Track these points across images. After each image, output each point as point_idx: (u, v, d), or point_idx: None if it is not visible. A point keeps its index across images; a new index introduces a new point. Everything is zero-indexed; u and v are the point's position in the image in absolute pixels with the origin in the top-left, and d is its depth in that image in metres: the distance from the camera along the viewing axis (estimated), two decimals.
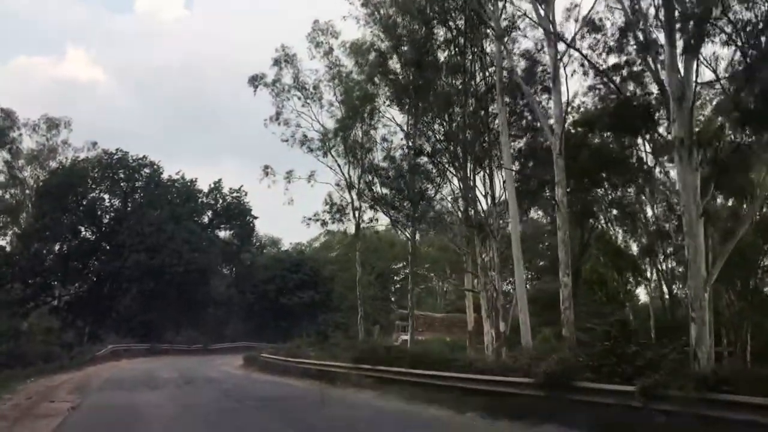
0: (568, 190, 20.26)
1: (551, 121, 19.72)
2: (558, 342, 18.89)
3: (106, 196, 52.00)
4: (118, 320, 49.53)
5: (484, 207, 25.45)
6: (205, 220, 54.46)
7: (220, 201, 54.51)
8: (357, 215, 37.48)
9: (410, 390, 16.45)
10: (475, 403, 13.35)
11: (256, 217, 55.16)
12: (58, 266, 50.94)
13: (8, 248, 51.90)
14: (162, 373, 28.51)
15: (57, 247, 50.57)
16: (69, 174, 48.76)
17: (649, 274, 34.43)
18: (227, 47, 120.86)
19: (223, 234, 55.24)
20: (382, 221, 40.20)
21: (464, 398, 14.04)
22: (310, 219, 36.65)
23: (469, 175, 26.15)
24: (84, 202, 50.80)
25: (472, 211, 25.75)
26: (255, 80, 34.83)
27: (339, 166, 36.36)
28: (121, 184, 51.88)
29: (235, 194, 54.72)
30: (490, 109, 25.37)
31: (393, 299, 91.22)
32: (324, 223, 37.05)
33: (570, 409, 11.22)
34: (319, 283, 66.89)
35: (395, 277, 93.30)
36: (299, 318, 60.78)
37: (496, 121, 24.14)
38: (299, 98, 35.86)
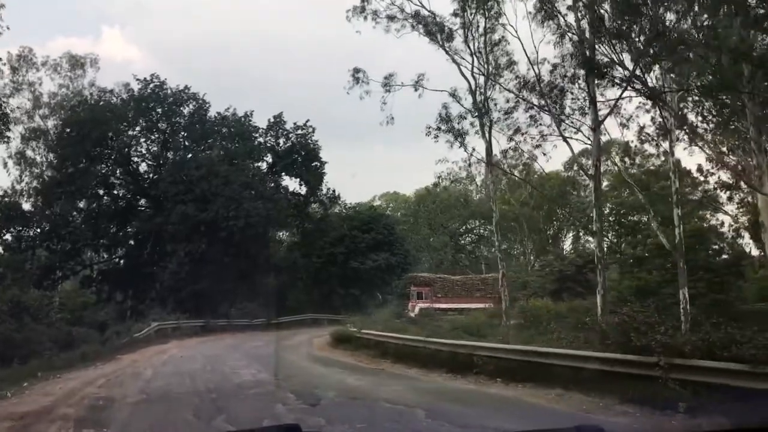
0: None
1: None
2: None
3: (142, 140, 41.54)
4: (163, 291, 39.68)
5: None
6: (264, 166, 43.69)
7: (282, 140, 43.73)
8: (488, 133, 26.16)
9: None
10: None
11: (325, 162, 44.07)
12: (87, 228, 41.20)
13: (28, 207, 42.60)
14: (238, 366, 18.13)
15: (84, 205, 40.65)
16: (93, 111, 38.54)
17: None
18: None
19: (285, 182, 44.43)
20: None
21: None
22: (431, 129, 25.63)
23: None
24: (115, 147, 40.63)
25: None
26: None
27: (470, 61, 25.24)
28: (159, 124, 41.34)
29: (300, 131, 44.10)
30: None
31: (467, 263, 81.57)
32: (455, 134, 25.81)
33: None
34: (395, 243, 56.63)
35: (467, 238, 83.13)
36: (371, 284, 52.23)
37: None
38: None
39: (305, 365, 18.45)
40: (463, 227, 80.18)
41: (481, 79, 25.18)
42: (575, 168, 32.70)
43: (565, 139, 22.59)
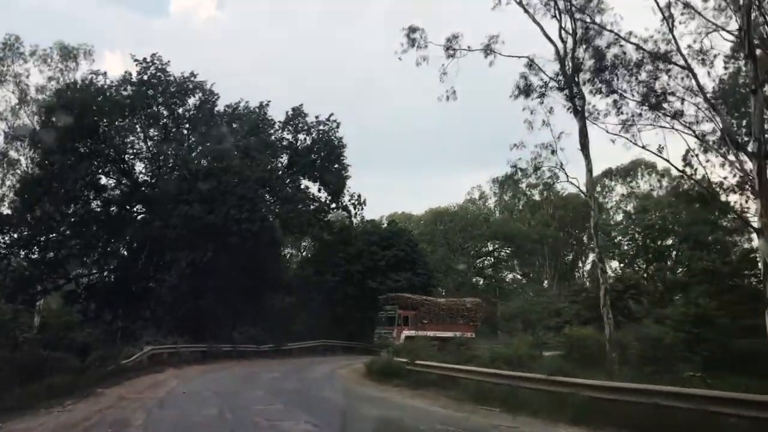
0: None
1: None
2: None
3: (140, 133, 35.65)
4: (159, 310, 33.81)
5: None
6: (279, 165, 37.48)
7: (302, 135, 38.05)
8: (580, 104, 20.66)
9: None
10: None
11: (349, 165, 38.03)
12: (73, 235, 35.44)
13: (6, 210, 36.96)
14: (271, 413, 12.22)
15: (70, 208, 34.89)
16: (83, 95, 32.98)
17: None
18: None
19: (303, 184, 38.23)
20: None
21: None
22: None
23: None
24: (108, 141, 35.01)
25: None
26: None
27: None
28: (160, 115, 35.60)
29: (322, 127, 38.19)
30: None
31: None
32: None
33: None
34: (418, 262, 51.04)
35: (486, 261, 77.56)
36: None
37: None
38: None
39: (373, 413, 12.49)
40: (483, 249, 75.16)
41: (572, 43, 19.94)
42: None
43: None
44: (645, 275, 60.75)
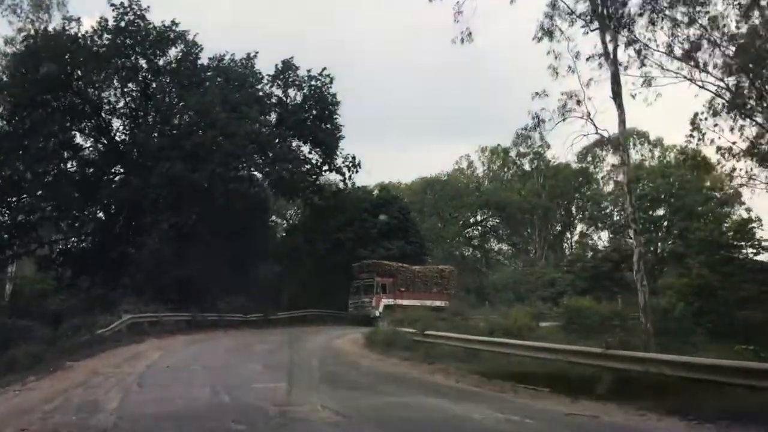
0: None
1: None
2: None
3: (117, 85, 32.73)
4: (140, 276, 31.41)
5: None
6: (268, 122, 34.52)
7: (293, 91, 35.06)
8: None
9: None
10: None
11: (341, 125, 35.40)
12: (46, 195, 32.87)
13: None
14: (273, 391, 10.11)
15: (42, 167, 32.15)
16: (55, 42, 30.05)
17: None
18: None
19: (294, 144, 35.29)
20: None
21: None
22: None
23: None
24: (83, 94, 32.22)
25: None
26: None
27: None
28: (139, 66, 32.72)
29: (315, 82, 35.24)
30: None
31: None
32: None
33: None
34: (410, 230, 49.15)
35: (476, 231, 75.95)
36: None
37: None
38: None
39: (408, 400, 10.27)
40: (472, 218, 73.44)
41: None
42: None
43: None
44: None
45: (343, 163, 34.76)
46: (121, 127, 34.17)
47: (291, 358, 16.75)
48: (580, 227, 74.07)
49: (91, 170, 33.82)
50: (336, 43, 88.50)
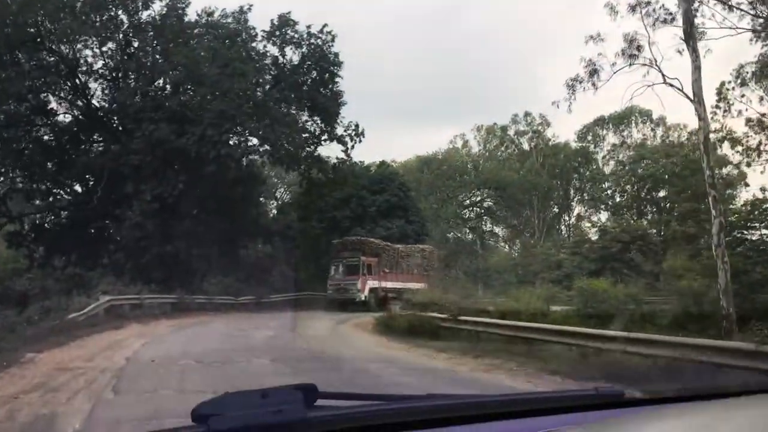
0: None
1: None
2: None
3: (95, 42, 29.24)
4: (120, 255, 28.39)
5: None
6: (262, 84, 30.88)
7: (290, 49, 30.98)
8: None
9: None
10: None
11: (342, 92, 32.02)
12: (14, 164, 29.58)
13: None
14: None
15: (10, 133, 28.76)
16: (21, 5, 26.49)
17: None
18: None
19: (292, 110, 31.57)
20: None
21: None
22: None
23: None
24: (57, 51, 28.79)
25: None
26: None
27: None
28: (118, 21, 29.25)
29: (314, 40, 31.34)
30: None
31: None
32: None
33: None
34: (411, 209, 46.45)
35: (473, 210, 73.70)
36: None
37: None
38: None
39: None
40: (470, 198, 71.01)
41: None
42: None
43: None
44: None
45: (345, 131, 31.50)
46: (100, 91, 30.77)
47: (300, 349, 13.95)
48: (578, 209, 72.25)
49: (66, 137, 30.49)
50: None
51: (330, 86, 30.83)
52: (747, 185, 52.00)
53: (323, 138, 31.15)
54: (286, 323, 21.79)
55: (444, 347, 13.78)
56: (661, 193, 60.20)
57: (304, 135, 30.09)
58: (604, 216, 68.06)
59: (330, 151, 33.40)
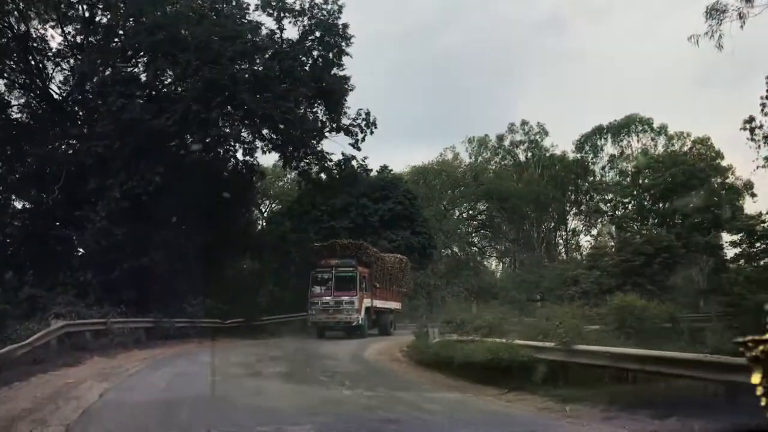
0: None
1: None
2: None
3: (51, 17, 24.01)
4: (83, 272, 22.90)
5: None
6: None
7: (289, 21, 24.45)
8: None
9: None
10: None
11: (348, 77, 26.54)
12: None
13: None
14: None
15: None
16: None
17: None
18: None
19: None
20: None
21: None
22: None
23: None
24: (5, 32, 23.69)
25: None
26: None
27: None
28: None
29: (317, 10, 25.57)
30: None
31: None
32: None
33: None
34: (417, 218, 41.89)
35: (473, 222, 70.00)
36: None
37: None
38: None
39: None
40: (466, 213, 67.05)
41: None
42: None
43: None
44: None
45: (354, 120, 26.28)
46: (60, 76, 25.48)
47: (343, 394, 9.01)
48: (575, 222, 69.41)
49: (16, 130, 25.20)
50: None
51: (336, 66, 25.51)
52: (754, 195, 50.22)
53: (325, 130, 26.02)
54: (291, 351, 16.81)
55: (526, 388, 9.05)
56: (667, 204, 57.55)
57: (305, 126, 24.78)
58: (604, 228, 65.49)
59: (333, 146, 28.08)
